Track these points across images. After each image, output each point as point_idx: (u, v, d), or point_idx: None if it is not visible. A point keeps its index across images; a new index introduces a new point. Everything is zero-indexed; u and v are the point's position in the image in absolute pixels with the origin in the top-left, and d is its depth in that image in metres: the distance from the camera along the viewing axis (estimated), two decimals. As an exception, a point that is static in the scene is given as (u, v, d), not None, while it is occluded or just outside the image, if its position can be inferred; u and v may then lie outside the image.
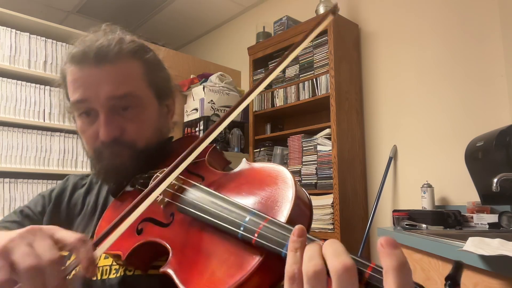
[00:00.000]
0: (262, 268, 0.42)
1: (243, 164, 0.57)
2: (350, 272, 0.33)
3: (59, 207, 0.78)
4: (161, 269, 0.49)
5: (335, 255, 0.35)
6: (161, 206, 0.59)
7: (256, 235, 0.43)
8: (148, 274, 0.60)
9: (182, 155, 0.53)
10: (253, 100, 3.02)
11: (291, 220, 0.44)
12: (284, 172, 0.50)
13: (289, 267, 0.36)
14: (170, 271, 0.48)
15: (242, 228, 0.44)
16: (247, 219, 0.45)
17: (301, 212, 0.47)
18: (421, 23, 2.40)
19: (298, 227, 0.39)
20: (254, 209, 0.47)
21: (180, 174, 0.54)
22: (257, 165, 0.56)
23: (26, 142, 2.36)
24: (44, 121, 2.44)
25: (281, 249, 0.40)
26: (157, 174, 0.63)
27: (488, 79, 2.08)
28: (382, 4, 2.62)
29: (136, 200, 0.50)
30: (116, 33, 0.71)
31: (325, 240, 0.39)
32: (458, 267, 0.33)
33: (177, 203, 0.56)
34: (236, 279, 0.41)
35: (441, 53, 2.28)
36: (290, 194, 0.47)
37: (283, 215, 0.45)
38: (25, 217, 0.75)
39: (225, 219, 0.47)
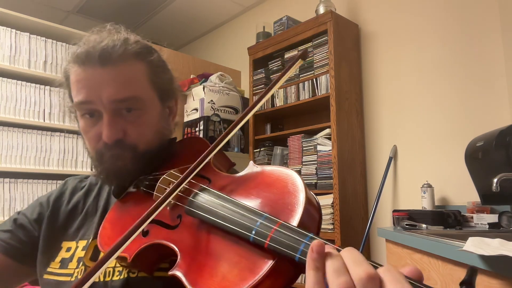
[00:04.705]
0: (274, 272, 0.42)
1: (251, 167, 0.57)
2: (374, 280, 0.33)
3: (58, 211, 0.77)
4: (170, 272, 0.48)
5: (357, 264, 0.34)
6: (168, 208, 0.58)
7: (268, 239, 0.42)
8: (152, 277, 0.60)
9: (196, 162, 0.54)
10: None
11: (303, 224, 0.44)
12: (294, 176, 0.50)
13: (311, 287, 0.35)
14: (179, 274, 0.47)
15: (254, 232, 0.44)
16: (258, 222, 0.45)
17: (312, 216, 0.47)
18: (421, 23, 2.39)
19: (316, 242, 0.37)
20: (265, 212, 0.46)
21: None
22: (266, 168, 0.55)
23: (26, 142, 2.36)
24: (44, 121, 2.44)
25: (294, 254, 0.40)
26: (165, 176, 0.63)
27: (488, 79, 2.07)
28: (382, 4, 2.62)
29: (152, 206, 0.50)
30: (120, 33, 0.70)
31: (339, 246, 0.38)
32: (472, 272, 0.34)
33: (185, 206, 0.56)
34: (248, 282, 0.41)
35: (441, 53, 2.28)
36: (301, 197, 0.47)
37: (294, 219, 0.45)
38: (19, 227, 0.75)
39: (236, 223, 0.47)
